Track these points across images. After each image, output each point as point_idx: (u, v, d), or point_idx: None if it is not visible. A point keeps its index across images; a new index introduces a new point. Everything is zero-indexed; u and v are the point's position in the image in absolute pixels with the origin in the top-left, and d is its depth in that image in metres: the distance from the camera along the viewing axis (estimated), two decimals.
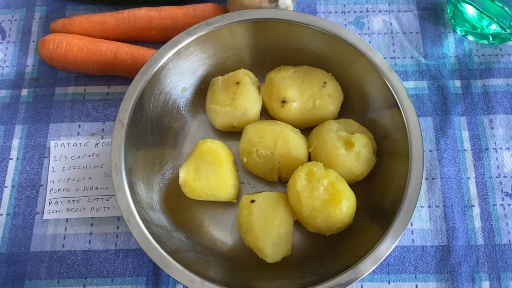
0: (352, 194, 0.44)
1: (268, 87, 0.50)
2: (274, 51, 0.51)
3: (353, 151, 0.46)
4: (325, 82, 0.49)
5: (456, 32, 0.57)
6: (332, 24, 0.47)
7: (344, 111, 0.51)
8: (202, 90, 0.52)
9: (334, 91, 0.49)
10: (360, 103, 0.50)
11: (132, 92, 0.45)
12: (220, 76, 0.51)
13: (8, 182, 0.51)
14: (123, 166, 0.43)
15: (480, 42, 0.56)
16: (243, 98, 0.49)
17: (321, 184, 0.43)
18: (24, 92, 0.55)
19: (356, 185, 0.46)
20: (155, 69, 0.46)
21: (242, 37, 0.50)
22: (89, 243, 0.49)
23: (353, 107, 0.51)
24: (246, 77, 0.50)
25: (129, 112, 0.44)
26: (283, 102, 0.49)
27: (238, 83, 0.49)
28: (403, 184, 0.42)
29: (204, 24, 0.47)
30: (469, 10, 0.53)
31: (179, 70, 0.49)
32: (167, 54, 0.47)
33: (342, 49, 0.48)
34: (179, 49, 0.47)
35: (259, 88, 0.51)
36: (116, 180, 0.42)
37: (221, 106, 0.49)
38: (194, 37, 0.47)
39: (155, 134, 0.49)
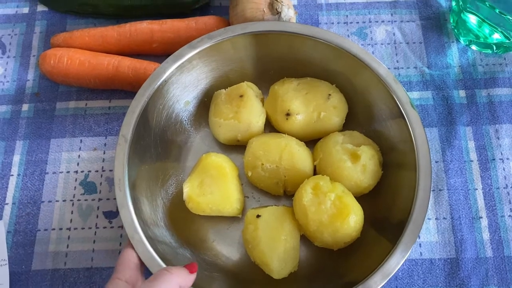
0: (360, 208, 0.44)
1: (272, 99, 0.50)
2: (277, 63, 0.51)
3: (359, 163, 0.45)
4: (329, 94, 0.49)
5: (459, 41, 0.56)
6: (336, 35, 0.47)
7: (349, 123, 0.50)
8: (205, 103, 0.52)
9: (339, 103, 0.49)
10: (365, 114, 0.50)
11: (135, 107, 0.44)
12: (223, 89, 0.50)
13: (9, 199, 0.50)
14: (126, 182, 0.42)
15: (483, 51, 0.56)
16: (247, 111, 0.48)
17: (328, 198, 0.42)
18: (25, 107, 0.54)
19: (362, 198, 0.46)
20: (158, 83, 0.46)
21: (245, 49, 0.49)
22: (92, 260, 0.48)
23: (358, 119, 0.50)
24: (249, 90, 0.49)
25: (132, 127, 0.44)
26: (288, 114, 0.48)
27: (241, 96, 0.49)
28: (411, 196, 0.42)
29: (207, 37, 0.47)
30: (472, 20, 0.53)
31: (182, 83, 0.48)
32: (170, 68, 0.46)
33: (346, 60, 0.47)
34: (182, 63, 0.47)
35: (262, 101, 0.51)
36: (120, 197, 0.41)
37: (225, 119, 0.48)
38: (197, 50, 0.47)
39: (158, 148, 0.48)
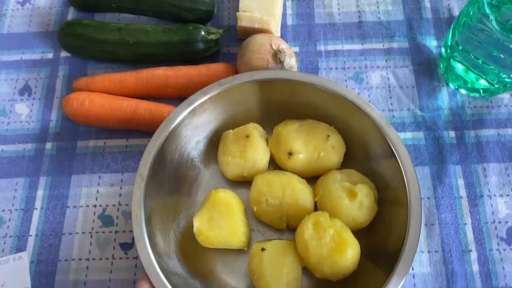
0: (356, 242, 0.47)
1: (275, 140, 0.54)
2: (280, 106, 0.55)
3: (356, 200, 0.49)
4: (328, 135, 0.53)
5: (449, 85, 0.61)
6: (333, 83, 0.52)
7: (347, 161, 0.54)
8: (214, 142, 0.56)
9: (337, 143, 0.53)
10: (361, 154, 0.54)
11: (152, 148, 0.49)
12: (231, 130, 0.55)
13: (33, 231, 0.54)
14: (142, 218, 0.46)
15: (471, 95, 0.60)
16: (252, 150, 0.52)
17: (327, 234, 0.46)
18: (48, 145, 0.59)
19: (359, 232, 0.49)
20: (172, 126, 0.50)
21: (251, 94, 0.54)
22: None
23: (355, 157, 0.54)
24: (255, 130, 0.54)
25: (148, 166, 0.48)
26: (290, 154, 0.52)
27: (247, 136, 0.53)
28: (403, 230, 0.45)
29: (217, 84, 0.52)
30: (459, 67, 0.57)
31: (194, 125, 0.53)
32: (184, 112, 0.51)
33: (343, 105, 0.52)
34: (194, 107, 0.51)
35: (267, 141, 0.55)
36: (136, 232, 0.45)
37: (232, 158, 0.53)
38: (208, 96, 0.51)
39: (171, 184, 0.52)
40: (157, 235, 0.48)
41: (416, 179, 0.47)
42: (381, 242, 0.49)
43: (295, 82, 0.52)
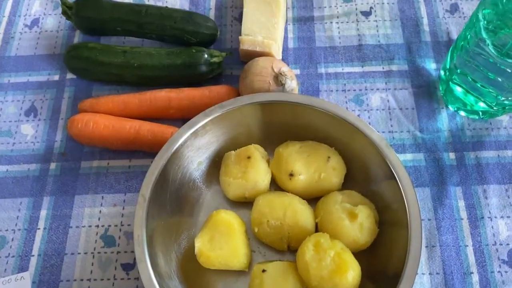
0: (357, 264, 0.47)
1: (276, 161, 0.55)
2: (281, 128, 0.56)
3: (356, 222, 0.49)
4: (329, 157, 0.54)
5: (448, 107, 0.62)
6: (333, 105, 0.52)
7: (348, 182, 0.55)
8: (216, 163, 0.57)
9: (337, 164, 0.54)
10: (362, 175, 0.54)
11: (154, 169, 0.49)
12: (233, 151, 0.55)
13: (35, 251, 0.55)
14: (144, 239, 0.46)
15: (471, 117, 0.61)
16: (254, 171, 0.53)
17: (328, 255, 0.46)
18: (53, 166, 0.60)
19: (360, 254, 0.50)
20: (175, 147, 0.51)
21: (252, 116, 0.55)
22: None
23: (355, 179, 0.55)
24: (256, 152, 0.54)
25: (151, 187, 0.49)
26: (291, 175, 0.53)
27: (249, 157, 0.54)
28: (404, 252, 0.45)
29: (219, 106, 0.53)
30: (458, 89, 0.58)
31: (196, 146, 0.54)
32: (186, 133, 0.51)
33: (343, 127, 0.52)
34: (196, 129, 0.52)
35: (268, 162, 0.56)
36: (138, 252, 0.46)
37: (234, 178, 0.53)
38: (210, 118, 0.52)
39: (173, 205, 0.53)
40: (159, 256, 0.48)
41: (416, 200, 0.47)
42: (382, 264, 0.49)
43: (296, 104, 0.53)
